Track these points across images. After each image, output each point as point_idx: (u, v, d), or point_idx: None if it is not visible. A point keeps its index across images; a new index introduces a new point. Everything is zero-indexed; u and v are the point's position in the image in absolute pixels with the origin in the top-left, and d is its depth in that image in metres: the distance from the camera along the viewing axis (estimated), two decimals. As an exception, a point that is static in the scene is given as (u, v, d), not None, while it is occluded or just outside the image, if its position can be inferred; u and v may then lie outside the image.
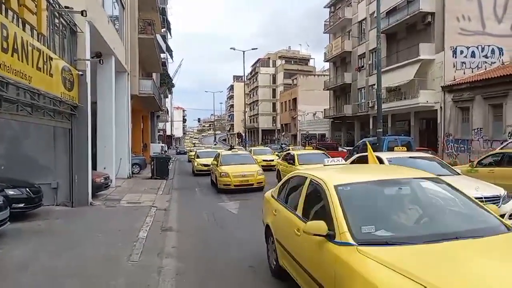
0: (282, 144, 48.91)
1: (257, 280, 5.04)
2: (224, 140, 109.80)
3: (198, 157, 21.65)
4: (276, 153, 27.70)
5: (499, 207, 6.72)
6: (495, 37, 23.86)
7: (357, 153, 19.89)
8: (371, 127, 30.74)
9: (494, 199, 6.91)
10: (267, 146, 37.63)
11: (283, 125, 63.22)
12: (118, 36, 15.67)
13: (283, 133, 62.27)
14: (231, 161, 14.54)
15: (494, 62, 23.79)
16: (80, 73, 10.46)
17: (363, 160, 9.82)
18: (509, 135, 19.07)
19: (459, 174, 8.58)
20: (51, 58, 8.72)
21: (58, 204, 10.19)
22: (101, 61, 11.72)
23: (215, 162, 15.08)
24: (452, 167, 9.12)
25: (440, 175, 7.88)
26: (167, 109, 55.87)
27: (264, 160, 21.90)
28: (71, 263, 5.67)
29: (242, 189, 13.14)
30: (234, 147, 28.82)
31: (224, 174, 13.44)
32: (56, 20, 9.54)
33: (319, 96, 46.58)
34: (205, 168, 18.93)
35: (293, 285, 4.27)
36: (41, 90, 8.31)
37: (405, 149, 12.54)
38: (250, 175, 13.45)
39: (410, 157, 9.80)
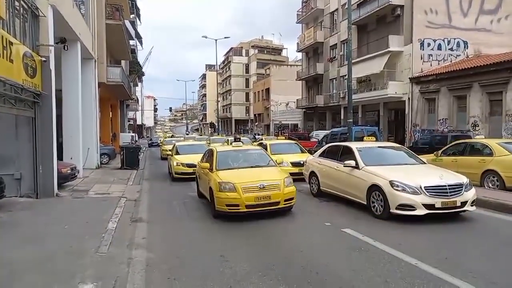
0: (255, 134, 49.02)
1: (227, 270, 5.05)
2: (197, 129, 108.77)
3: (177, 153, 15.73)
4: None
5: (461, 194, 7.13)
6: (460, 31, 24.72)
7: (326, 143, 20.45)
8: (342, 117, 31.31)
9: (457, 187, 7.17)
10: (244, 136, 37.20)
11: (256, 115, 63.34)
12: (84, 21, 15.07)
13: (256, 123, 62.41)
14: (235, 162, 9.06)
15: (459, 55, 24.68)
16: (43, 59, 10.00)
17: (335, 149, 10.01)
18: (472, 125, 19.91)
19: (424, 163, 8.80)
20: (11, 43, 8.27)
21: (22, 195, 9.82)
22: (65, 47, 11.26)
23: (207, 165, 9.09)
24: (418, 156, 9.39)
25: (407, 164, 8.58)
26: (137, 98, 54.72)
27: None
28: (35, 256, 5.48)
29: (259, 213, 7.66)
30: (240, 138, 18.51)
31: (227, 186, 7.70)
32: (16, 3, 9.06)
33: (291, 86, 46.91)
34: (190, 169, 13.52)
35: None
36: (0, 77, 7.89)
37: (374, 139, 12.83)
38: (273, 187, 7.76)
39: (379, 146, 10.06)
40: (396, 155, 9.20)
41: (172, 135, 45.39)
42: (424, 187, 7.05)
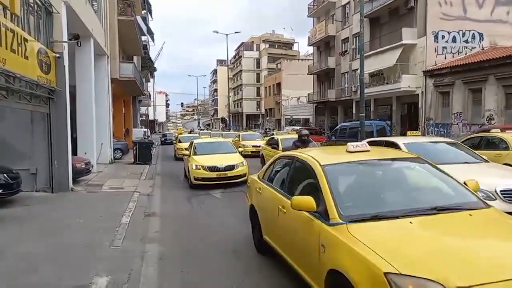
0: (266, 128, 49.01)
1: (239, 264, 5.08)
2: (208, 125, 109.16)
3: (196, 153, 12.53)
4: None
5: None
6: (475, 22, 24.17)
7: (335, 137, 20.11)
8: (354, 111, 31.02)
9: None
10: (255, 131, 37.04)
11: (267, 109, 63.18)
12: (96, 18, 15.19)
13: (267, 118, 62.29)
14: (389, 195, 3.83)
15: (474, 47, 24.16)
16: (57, 55, 10.13)
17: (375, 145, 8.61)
18: (487, 119, 19.54)
19: (487, 161, 7.59)
20: (26, 40, 8.40)
21: (37, 190, 10.00)
22: (79, 43, 11.40)
23: (309, 203, 3.56)
24: (477, 153, 8.00)
25: (467, 162, 7.11)
26: (149, 94, 55.10)
27: (254, 146, 20.61)
28: (51, 249, 5.59)
29: None
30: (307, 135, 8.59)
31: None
32: (31, 0, 9.18)
33: (303, 81, 46.60)
34: (213, 174, 11.21)
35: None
36: (16, 73, 8.03)
37: (419, 133, 11.22)
38: None
39: (430, 142, 8.59)
40: (451, 152, 7.75)
41: (192, 130, 38.33)
42: (500, 191, 5.71)
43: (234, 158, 11.93)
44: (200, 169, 11.35)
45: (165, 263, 5.19)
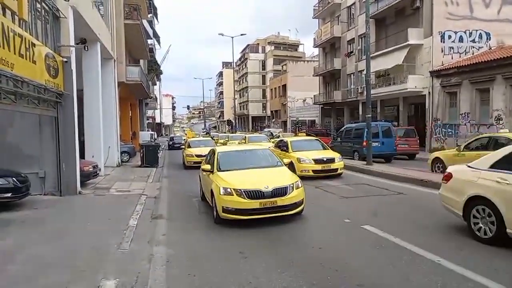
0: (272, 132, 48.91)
1: (246, 266, 5.07)
2: (214, 127, 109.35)
3: (219, 168, 8.11)
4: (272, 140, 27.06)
5: None
6: (482, 22, 23.99)
7: (340, 138, 20.00)
8: (360, 112, 30.91)
9: None
10: (262, 133, 36.96)
11: (273, 111, 63.15)
12: (103, 22, 15.32)
13: (273, 120, 62.24)
14: None
15: (482, 47, 23.97)
16: (65, 59, 10.23)
17: None
18: (496, 119, 19.35)
19: None
20: (33, 45, 8.50)
21: (46, 193, 10.08)
22: (86, 47, 11.50)
23: None
24: None
25: None
26: (155, 96, 55.35)
27: None
28: (60, 252, 5.63)
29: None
30: None
31: None
32: (38, 5, 9.28)
33: (308, 82, 46.53)
34: (254, 203, 6.84)
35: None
36: (24, 78, 8.12)
37: None
38: None
39: None
40: None
41: (207, 132, 33.06)
42: None
43: (283, 176, 7.61)
44: (232, 194, 6.98)
45: (172, 265, 5.19)
